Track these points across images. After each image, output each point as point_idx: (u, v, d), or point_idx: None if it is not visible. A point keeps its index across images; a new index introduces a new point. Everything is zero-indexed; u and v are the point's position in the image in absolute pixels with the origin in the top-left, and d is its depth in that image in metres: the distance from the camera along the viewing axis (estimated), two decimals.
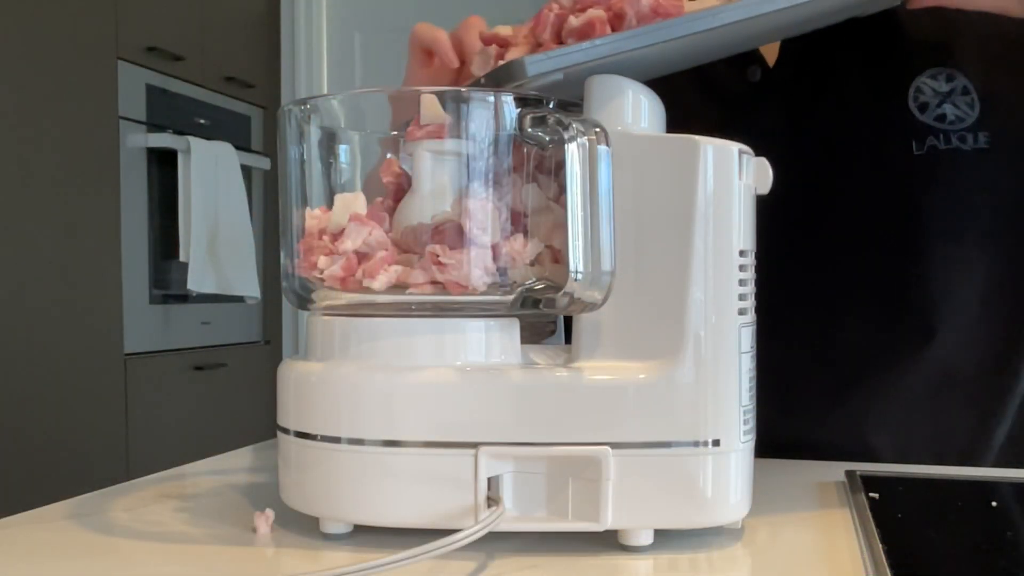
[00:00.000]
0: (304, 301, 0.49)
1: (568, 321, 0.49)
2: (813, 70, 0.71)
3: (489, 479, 0.45)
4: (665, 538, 0.47)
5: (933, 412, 0.70)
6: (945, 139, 0.67)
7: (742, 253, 0.47)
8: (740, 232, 0.46)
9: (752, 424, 0.48)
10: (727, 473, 0.46)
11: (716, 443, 0.45)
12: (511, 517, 0.45)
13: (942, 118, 0.67)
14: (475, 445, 0.44)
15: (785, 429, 0.70)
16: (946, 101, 0.67)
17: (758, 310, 0.49)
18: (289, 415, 0.48)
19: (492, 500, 0.45)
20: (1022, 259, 0.69)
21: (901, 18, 0.68)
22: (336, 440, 0.46)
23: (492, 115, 0.46)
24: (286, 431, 0.48)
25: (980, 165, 0.67)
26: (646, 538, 0.46)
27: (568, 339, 0.49)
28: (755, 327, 0.49)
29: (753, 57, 0.72)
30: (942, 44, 0.69)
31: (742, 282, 0.47)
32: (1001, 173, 0.67)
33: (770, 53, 0.73)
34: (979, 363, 0.70)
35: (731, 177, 0.46)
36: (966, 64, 0.68)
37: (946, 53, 0.68)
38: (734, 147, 0.46)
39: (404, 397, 0.45)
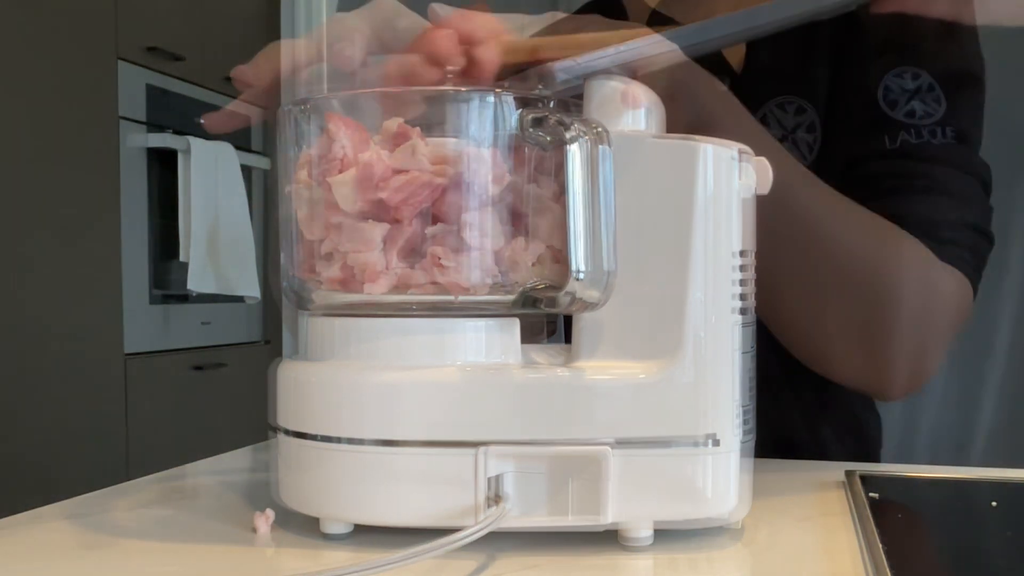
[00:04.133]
0: (304, 301, 0.49)
1: (568, 321, 0.49)
2: (779, 75, 0.71)
3: (489, 478, 0.45)
4: (665, 538, 0.47)
5: (916, 407, 0.71)
6: (916, 134, 0.68)
7: (742, 254, 0.47)
8: (740, 232, 0.47)
9: (752, 424, 0.48)
10: (727, 472, 0.46)
11: (716, 442, 0.45)
12: (512, 516, 0.45)
13: (911, 114, 0.68)
14: (475, 445, 0.44)
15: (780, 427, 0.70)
16: (914, 98, 0.68)
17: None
18: (288, 415, 0.48)
19: (492, 499, 0.45)
20: (981, 251, 0.70)
21: (864, 20, 0.68)
22: (336, 440, 0.46)
23: (492, 115, 0.46)
24: (285, 431, 0.48)
25: (947, 159, 0.68)
26: (646, 538, 0.46)
27: (568, 339, 0.49)
28: (755, 327, 0.49)
29: (721, 68, 0.72)
30: (906, 44, 0.70)
31: (742, 282, 0.47)
32: (963, 168, 0.68)
33: (735, 60, 0.73)
34: (953, 355, 0.71)
35: (730, 177, 0.46)
36: (929, 63, 0.69)
37: (910, 53, 0.69)
38: (734, 147, 0.46)
39: (404, 397, 0.45)
